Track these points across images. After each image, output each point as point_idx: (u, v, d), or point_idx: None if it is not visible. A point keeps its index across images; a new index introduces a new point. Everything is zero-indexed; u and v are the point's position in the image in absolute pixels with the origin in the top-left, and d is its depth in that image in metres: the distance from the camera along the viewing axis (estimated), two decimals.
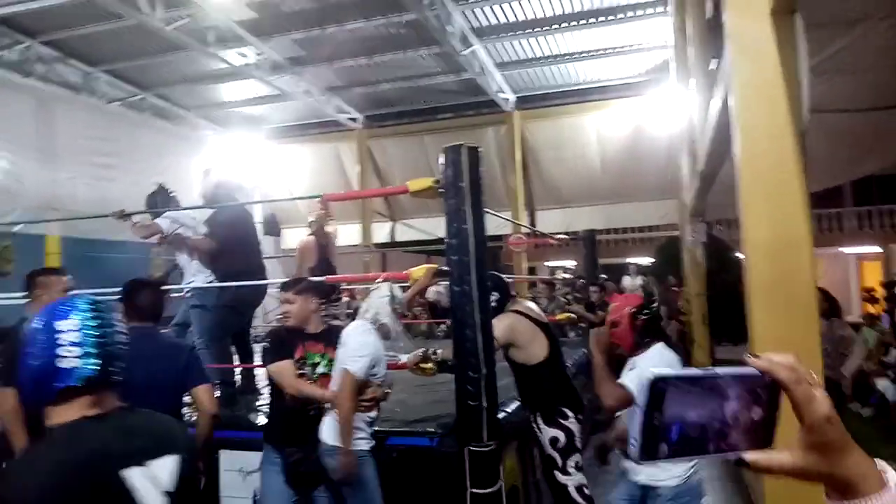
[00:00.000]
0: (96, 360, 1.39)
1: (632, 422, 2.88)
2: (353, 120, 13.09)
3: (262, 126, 13.71)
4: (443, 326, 9.23)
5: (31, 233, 9.27)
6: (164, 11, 7.99)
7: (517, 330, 3.93)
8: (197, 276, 4.57)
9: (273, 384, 3.24)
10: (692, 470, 2.96)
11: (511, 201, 12.38)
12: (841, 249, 18.66)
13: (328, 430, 3.08)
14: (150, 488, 1.38)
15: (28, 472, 1.34)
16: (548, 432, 3.84)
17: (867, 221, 19.59)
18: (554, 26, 9.54)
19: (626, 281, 14.74)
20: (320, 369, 3.21)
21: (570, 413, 3.86)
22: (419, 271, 3.66)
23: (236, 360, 4.93)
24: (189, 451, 1.55)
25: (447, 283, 3.52)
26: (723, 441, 0.64)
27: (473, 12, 9.23)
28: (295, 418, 3.15)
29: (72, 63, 10.37)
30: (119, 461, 1.37)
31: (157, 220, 4.54)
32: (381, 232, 13.90)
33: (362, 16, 9.16)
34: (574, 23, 9.42)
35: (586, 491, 3.86)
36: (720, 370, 0.64)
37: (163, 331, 2.80)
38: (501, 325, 3.89)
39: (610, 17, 9.28)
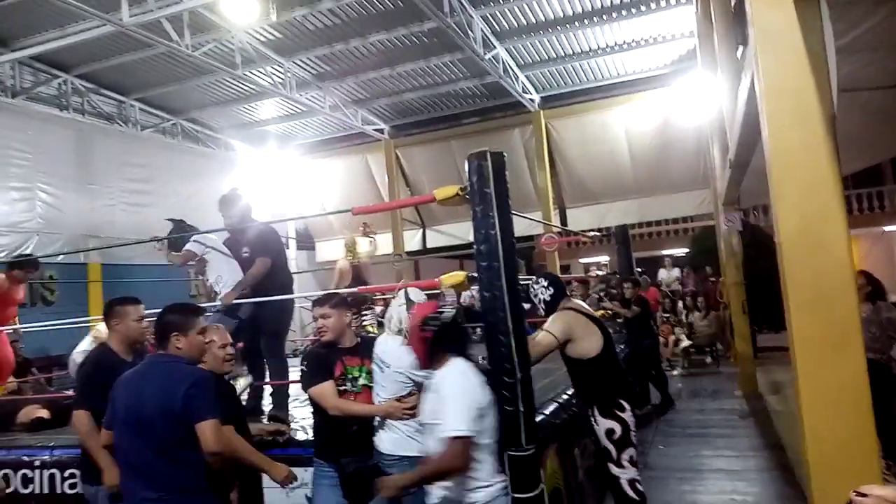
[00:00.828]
0: None
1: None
2: (380, 131, 13.22)
3: (292, 143, 13.94)
4: (478, 330, 9.18)
5: (73, 262, 9.61)
6: (192, 37, 8.20)
7: (574, 326, 3.95)
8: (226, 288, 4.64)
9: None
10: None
11: (541, 201, 12.31)
12: (884, 228, 18.01)
13: (388, 442, 3.06)
14: None
15: None
16: (604, 424, 3.84)
17: None
18: (575, 23, 9.50)
19: (662, 273, 14.54)
20: (361, 381, 3.22)
21: (626, 405, 3.87)
22: (450, 278, 3.65)
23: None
24: None
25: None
26: None
27: (494, 16, 9.25)
28: (344, 430, 3.14)
29: (105, 94, 10.72)
30: None
31: (188, 247, 4.79)
32: (413, 239, 13.98)
33: (384, 28, 9.28)
34: (596, 19, 9.36)
35: (639, 486, 3.85)
36: None
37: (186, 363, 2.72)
38: (559, 323, 3.93)
39: (633, 11, 9.20)
